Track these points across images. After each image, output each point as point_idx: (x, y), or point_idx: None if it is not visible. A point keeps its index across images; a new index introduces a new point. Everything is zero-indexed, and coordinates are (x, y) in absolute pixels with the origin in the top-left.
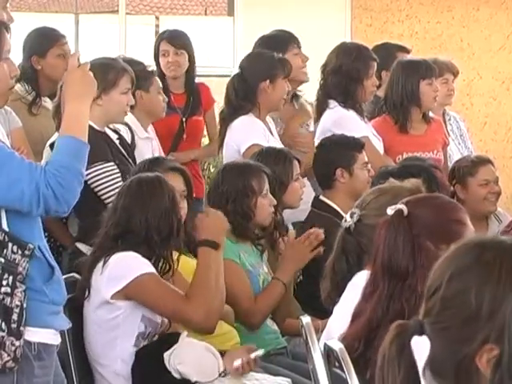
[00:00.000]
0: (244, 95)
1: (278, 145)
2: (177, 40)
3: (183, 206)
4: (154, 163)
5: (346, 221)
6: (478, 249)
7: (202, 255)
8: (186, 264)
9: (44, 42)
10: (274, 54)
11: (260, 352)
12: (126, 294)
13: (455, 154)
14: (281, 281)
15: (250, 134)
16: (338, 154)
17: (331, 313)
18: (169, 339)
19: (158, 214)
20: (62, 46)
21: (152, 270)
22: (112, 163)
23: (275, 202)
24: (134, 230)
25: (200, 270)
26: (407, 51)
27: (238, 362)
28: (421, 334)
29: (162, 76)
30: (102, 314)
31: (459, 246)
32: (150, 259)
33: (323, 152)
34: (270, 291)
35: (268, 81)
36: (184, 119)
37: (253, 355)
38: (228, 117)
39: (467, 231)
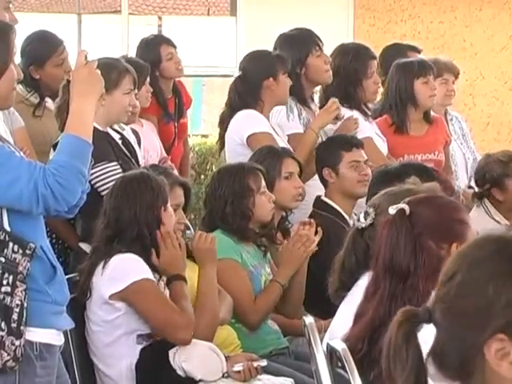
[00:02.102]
0: (248, 95)
1: (284, 145)
2: (172, 41)
3: (181, 217)
4: (164, 172)
5: (358, 220)
6: (501, 242)
7: (178, 288)
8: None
9: (41, 52)
10: (271, 51)
11: (263, 363)
12: (122, 296)
13: (457, 154)
14: (278, 283)
15: (250, 124)
16: (324, 153)
17: (334, 313)
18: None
19: (144, 207)
20: (59, 55)
21: (150, 276)
22: (115, 163)
23: (274, 198)
24: (125, 228)
25: (180, 299)
26: (418, 51)
27: (239, 367)
28: (428, 321)
29: (156, 82)
30: (103, 315)
31: (480, 238)
32: (146, 257)
33: (316, 151)
34: (267, 293)
35: (271, 78)
36: (176, 124)
37: (255, 364)
38: (227, 117)
39: (469, 231)
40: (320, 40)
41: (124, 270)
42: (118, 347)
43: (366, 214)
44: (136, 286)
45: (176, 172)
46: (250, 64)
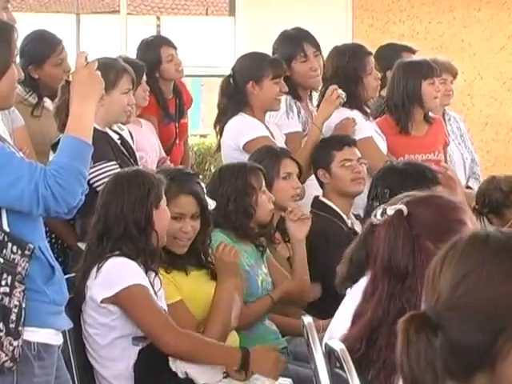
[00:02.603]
0: (231, 96)
1: (281, 145)
2: (172, 42)
3: (193, 226)
4: (174, 177)
5: (375, 216)
6: (495, 237)
7: (229, 352)
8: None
9: (40, 52)
10: (266, 54)
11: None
12: (114, 301)
13: (455, 154)
14: (271, 298)
15: (246, 130)
16: (317, 154)
17: (333, 313)
18: None
19: (132, 203)
20: (58, 54)
21: (144, 282)
22: (114, 162)
23: (274, 198)
24: (113, 224)
25: (215, 349)
26: (413, 52)
27: None
28: (437, 324)
29: (156, 83)
30: (98, 318)
31: (475, 236)
32: (137, 257)
33: (313, 151)
34: (259, 304)
35: (252, 82)
36: (177, 125)
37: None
38: (218, 118)
39: (468, 231)
40: (313, 46)
41: (116, 275)
42: (114, 349)
43: (384, 211)
44: (127, 292)
45: None
46: (238, 65)
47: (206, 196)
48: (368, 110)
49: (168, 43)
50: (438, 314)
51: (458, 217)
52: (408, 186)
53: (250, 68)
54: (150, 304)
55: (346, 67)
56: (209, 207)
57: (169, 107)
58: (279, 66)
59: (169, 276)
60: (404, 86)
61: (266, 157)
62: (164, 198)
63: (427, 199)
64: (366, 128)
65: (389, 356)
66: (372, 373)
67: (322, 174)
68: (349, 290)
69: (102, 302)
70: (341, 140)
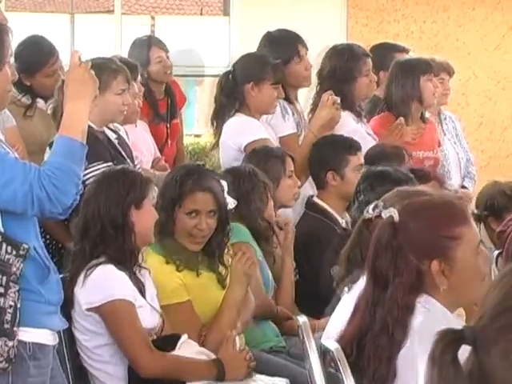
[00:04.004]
0: (229, 93)
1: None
2: (164, 44)
3: (209, 223)
4: (191, 173)
5: (367, 211)
6: None
7: (204, 368)
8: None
9: (31, 64)
10: (269, 57)
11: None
12: (97, 312)
13: (451, 153)
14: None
15: (247, 131)
16: (329, 155)
17: (327, 312)
18: (167, 341)
19: (108, 202)
20: (50, 66)
21: (130, 297)
22: (110, 163)
23: (272, 204)
24: (90, 224)
25: (190, 366)
26: (406, 51)
27: None
28: (471, 343)
29: (146, 84)
30: (85, 324)
31: None
32: (121, 258)
33: (317, 152)
34: (263, 307)
35: (252, 83)
36: (168, 125)
37: (237, 345)
38: (215, 115)
39: (460, 246)
40: (304, 46)
41: (103, 286)
42: (103, 354)
43: (376, 206)
44: (111, 306)
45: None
46: (240, 63)
47: (226, 194)
48: (362, 113)
49: (159, 45)
50: (476, 333)
51: (451, 233)
52: (387, 186)
53: (253, 69)
54: (131, 322)
55: (344, 67)
56: (229, 206)
57: (159, 108)
58: (281, 71)
59: (179, 275)
60: (403, 83)
61: (271, 157)
62: (150, 197)
63: (423, 210)
64: (353, 129)
65: (378, 368)
66: (364, 383)
67: (332, 177)
68: (346, 290)
69: (87, 310)
70: (354, 144)
